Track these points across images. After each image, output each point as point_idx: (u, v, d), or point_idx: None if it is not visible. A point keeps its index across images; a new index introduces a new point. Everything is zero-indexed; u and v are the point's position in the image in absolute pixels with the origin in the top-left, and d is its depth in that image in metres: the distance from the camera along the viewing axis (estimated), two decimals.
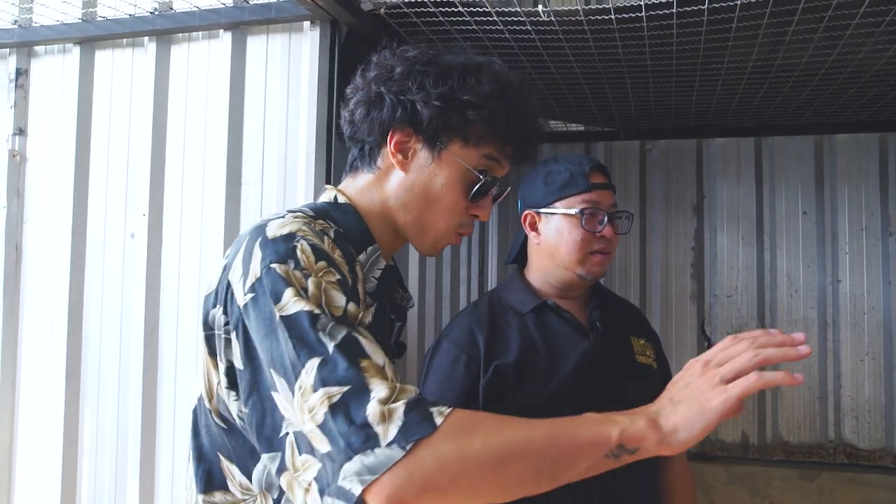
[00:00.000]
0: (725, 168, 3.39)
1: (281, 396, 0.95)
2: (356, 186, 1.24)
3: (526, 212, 1.88)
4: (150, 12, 2.07)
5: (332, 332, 0.94)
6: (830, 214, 3.27)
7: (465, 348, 1.75)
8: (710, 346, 3.25)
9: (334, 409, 0.89)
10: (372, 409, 0.88)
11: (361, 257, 1.17)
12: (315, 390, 0.90)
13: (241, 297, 1.01)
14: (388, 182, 1.22)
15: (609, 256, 1.82)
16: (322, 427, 0.89)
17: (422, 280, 2.75)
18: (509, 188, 1.31)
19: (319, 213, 1.16)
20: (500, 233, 3.62)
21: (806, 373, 3.23)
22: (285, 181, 1.95)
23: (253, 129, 2.01)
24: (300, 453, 0.93)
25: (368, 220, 1.21)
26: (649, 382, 1.88)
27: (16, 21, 2.21)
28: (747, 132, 3.30)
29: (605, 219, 1.78)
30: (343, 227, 1.16)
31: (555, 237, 1.81)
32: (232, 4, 1.97)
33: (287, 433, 0.95)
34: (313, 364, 0.92)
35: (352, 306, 0.99)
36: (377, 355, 0.95)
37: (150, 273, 2.08)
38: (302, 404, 0.91)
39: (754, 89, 2.56)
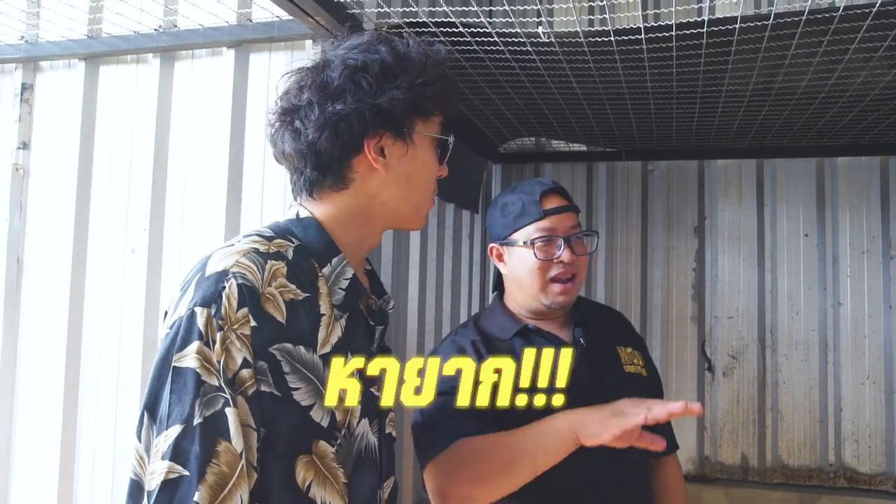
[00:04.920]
0: (727, 189, 3.40)
1: (141, 445, 1.00)
2: (323, 205, 1.24)
3: (490, 245, 1.92)
4: (155, 29, 2.09)
5: (207, 403, 0.98)
6: (832, 237, 3.26)
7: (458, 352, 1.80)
8: (710, 367, 3.27)
9: (166, 485, 0.95)
10: None
11: (326, 270, 1.18)
12: (163, 458, 0.96)
13: (162, 330, 1.06)
14: (367, 187, 1.23)
15: (574, 281, 1.82)
16: (149, 495, 0.95)
17: (421, 299, 2.75)
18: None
19: (280, 232, 1.18)
20: None
21: (806, 396, 3.22)
22: (285, 198, 1.96)
23: (254, 146, 2.02)
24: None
25: (333, 229, 1.22)
26: (639, 391, 1.88)
27: (22, 37, 2.23)
28: (749, 154, 3.30)
29: (562, 243, 1.78)
30: (305, 242, 1.19)
31: (517, 267, 1.83)
32: (235, 23, 1.99)
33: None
34: (175, 431, 0.97)
35: (246, 372, 1.02)
36: (239, 439, 0.99)
37: (149, 288, 2.09)
38: (150, 462, 0.98)
39: (755, 112, 2.57)
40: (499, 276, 1.97)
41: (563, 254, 1.77)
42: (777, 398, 3.25)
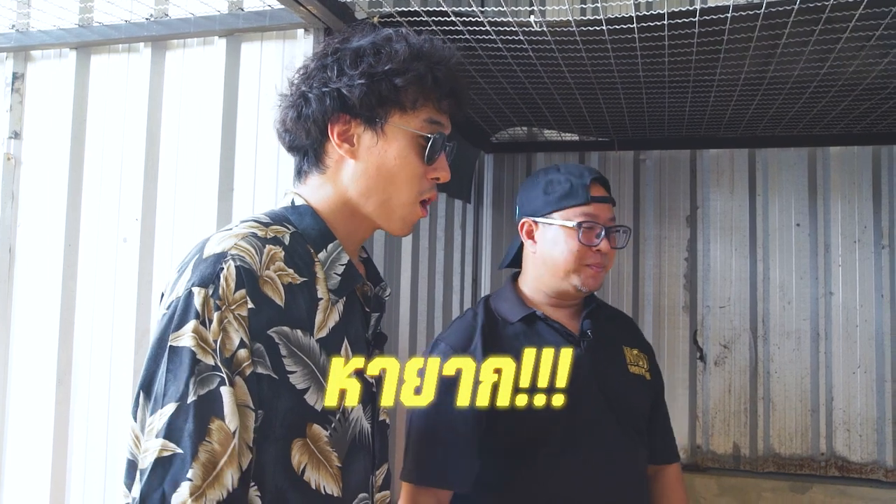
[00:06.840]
0: (719, 179, 3.40)
1: (136, 425, 1.01)
2: (309, 190, 1.26)
3: (523, 220, 1.88)
4: (146, 18, 2.08)
5: (202, 382, 0.98)
6: (823, 226, 3.27)
7: (459, 350, 1.76)
8: (702, 357, 3.29)
9: (158, 463, 0.95)
10: (180, 499, 0.94)
11: (322, 255, 1.20)
12: (157, 436, 0.96)
13: (159, 311, 1.06)
14: (342, 175, 1.23)
15: (604, 270, 1.81)
16: (142, 473, 0.96)
17: (414, 290, 2.75)
18: (456, 142, 1.34)
19: (276, 219, 1.19)
20: (494, 241, 3.63)
21: (798, 385, 3.23)
22: (277, 187, 1.96)
23: (246, 136, 2.02)
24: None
25: (326, 217, 1.23)
26: (641, 392, 1.90)
27: (13, 25, 2.22)
28: (741, 143, 3.31)
29: (603, 233, 1.78)
30: (301, 229, 1.20)
31: (550, 247, 1.81)
32: (227, 12, 1.98)
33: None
34: (169, 409, 0.97)
35: (243, 353, 1.02)
36: (233, 418, 0.99)
37: (142, 277, 2.09)
38: (144, 440, 0.98)
39: (747, 101, 2.57)
40: (516, 255, 1.97)
41: (602, 243, 1.78)
42: (769, 387, 3.27)
